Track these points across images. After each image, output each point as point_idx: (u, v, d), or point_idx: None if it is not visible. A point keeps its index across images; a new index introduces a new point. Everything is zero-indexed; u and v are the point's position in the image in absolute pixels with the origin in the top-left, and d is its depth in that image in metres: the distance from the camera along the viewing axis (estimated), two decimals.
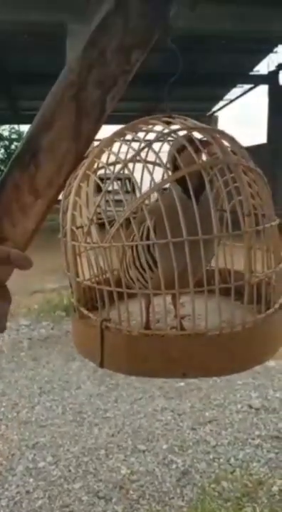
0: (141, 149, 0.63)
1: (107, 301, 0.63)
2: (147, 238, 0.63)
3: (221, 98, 16.31)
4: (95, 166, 0.67)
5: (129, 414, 3.26)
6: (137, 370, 0.63)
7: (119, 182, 0.74)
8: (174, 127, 0.63)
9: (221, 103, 17.06)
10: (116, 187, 0.73)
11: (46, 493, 2.49)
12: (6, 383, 3.68)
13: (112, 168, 0.67)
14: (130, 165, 0.67)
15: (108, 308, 0.64)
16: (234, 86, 14.64)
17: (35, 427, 3.12)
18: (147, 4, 0.58)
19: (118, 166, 0.69)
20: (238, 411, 3.26)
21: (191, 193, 0.58)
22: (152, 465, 2.69)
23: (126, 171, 0.69)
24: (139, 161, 0.66)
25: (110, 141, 0.66)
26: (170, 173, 0.67)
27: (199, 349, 0.59)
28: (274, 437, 2.93)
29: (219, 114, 18.54)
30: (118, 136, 0.66)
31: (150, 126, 0.66)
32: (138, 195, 0.65)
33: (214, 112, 18.19)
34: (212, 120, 18.00)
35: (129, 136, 0.67)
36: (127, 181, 0.82)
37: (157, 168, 0.77)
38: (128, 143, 0.65)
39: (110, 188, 0.72)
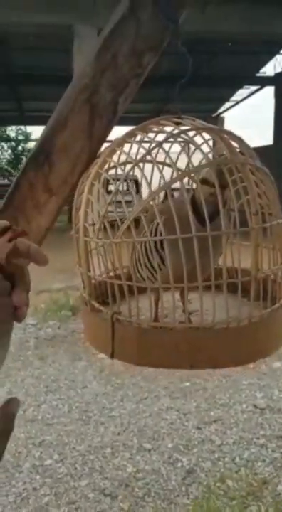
0: (151, 149, 0.65)
1: (117, 295, 0.65)
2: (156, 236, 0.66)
3: (227, 99, 16.30)
4: (107, 165, 0.70)
5: (135, 413, 3.28)
6: (146, 360, 0.66)
7: (125, 183, 0.76)
8: (183, 128, 0.65)
9: (227, 104, 17.06)
10: (121, 188, 0.75)
11: (53, 489, 2.51)
12: (13, 382, 3.71)
13: (121, 168, 0.69)
14: (140, 165, 0.70)
15: (119, 303, 0.66)
16: (241, 87, 14.63)
17: (41, 425, 3.15)
18: (159, 9, 0.60)
19: (128, 167, 0.71)
20: (244, 411, 3.27)
21: (202, 197, 0.60)
22: (157, 463, 2.71)
23: (132, 173, 0.71)
24: (149, 161, 0.68)
25: (121, 142, 0.68)
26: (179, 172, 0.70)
27: (206, 342, 0.61)
28: (279, 437, 2.94)
29: (226, 115, 18.53)
30: (129, 136, 0.68)
31: (160, 127, 0.69)
32: (143, 195, 0.67)
33: (221, 113, 18.18)
34: (218, 121, 17.99)
35: (140, 137, 0.69)
36: (132, 182, 0.84)
37: (165, 167, 0.79)
38: (139, 143, 0.67)
39: (118, 189, 0.74)
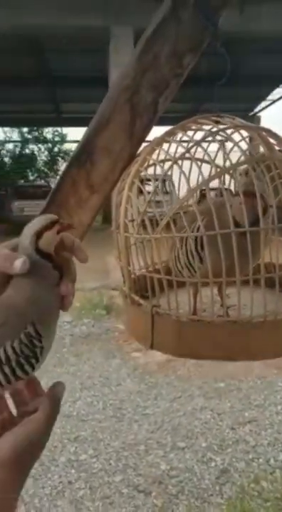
0: (190, 147, 0.67)
1: (157, 289, 0.67)
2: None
3: (264, 98, 16.10)
4: (147, 163, 0.72)
5: (169, 411, 3.29)
6: (185, 352, 0.67)
7: (158, 183, 0.78)
8: (221, 126, 0.66)
9: (263, 103, 16.84)
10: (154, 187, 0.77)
11: (87, 484, 2.56)
12: (49, 378, 3.78)
13: (161, 165, 0.71)
14: (178, 163, 0.71)
15: (158, 296, 0.68)
16: (277, 86, 14.42)
17: (76, 421, 3.21)
18: (199, 10, 0.61)
19: (167, 165, 0.73)
20: (279, 412, 3.23)
21: (241, 192, 0.62)
22: (191, 462, 2.72)
23: (170, 172, 0.73)
24: (188, 159, 0.70)
25: (161, 140, 0.70)
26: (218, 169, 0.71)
27: (244, 335, 0.63)
28: None
29: (262, 114, 18.29)
30: (169, 135, 0.70)
31: (199, 126, 0.70)
32: (175, 195, 0.69)
33: (257, 112, 17.96)
34: (255, 120, 17.77)
35: (179, 136, 0.71)
36: (170, 182, 0.86)
37: (203, 165, 0.81)
38: (178, 142, 0.69)
39: (151, 188, 0.77)
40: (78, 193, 0.75)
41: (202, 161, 0.76)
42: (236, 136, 0.68)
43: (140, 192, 0.73)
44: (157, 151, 0.71)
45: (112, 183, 0.75)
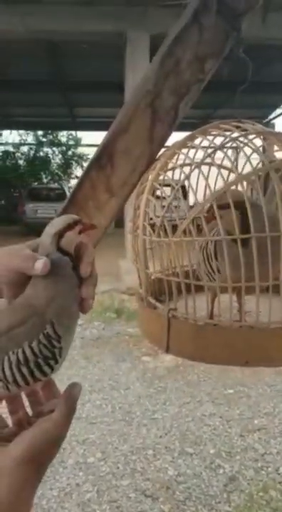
0: (211, 152, 0.67)
1: (174, 292, 0.68)
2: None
3: (278, 106, 16.04)
4: (167, 167, 0.72)
5: (178, 417, 3.28)
6: (201, 356, 0.67)
7: (178, 187, 0.78)
8: (243, 132, 0.67)
9: (278, 111, 16.78)
10: (168, 193, 0.78)
11: (95, 487, 2.56)
12: (59, 380, 3.78)
13: (181, 169, 0.72)
14: (198, 168, 0.72)
15: (175, 300, 0.68)
16: None
17: (85, 424, 3.21)
18: (222, 17, 0.62)
19: (185, 170, 0.74)
20: None
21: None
22: (199, 468, 2.70)
23: (180, 177, 0.73)
24: (208, 164, 0.70)
25: (181, 144, 0.71)
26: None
27: (261, 340, 0.62)
28: None
29: (276, 121, 18.22)
30: (190, 139, 0.71)
31: (220, 131, 0.70)
32: (191, 200, 0.69)
33: (271, 119, 17.90)
34: (269, 127, 17.72)
35: (199, 140, 0.71)
36: (180, 188, 0.86)
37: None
38: (198, 146, 0.69)
39: (164, 194, 0.77)
40: (97, 196, 0.76)
41: (221, 166, 0.76)
42: (257, 142, 0.68)
43: (157, 197, 0.73)
44: (177, 156, 0.71)
45: (131, 186, 0.76)
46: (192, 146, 0.74)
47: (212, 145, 0.71)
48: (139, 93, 0.68)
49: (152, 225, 0.73)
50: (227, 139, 0.69)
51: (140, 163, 0.73)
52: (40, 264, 0.55)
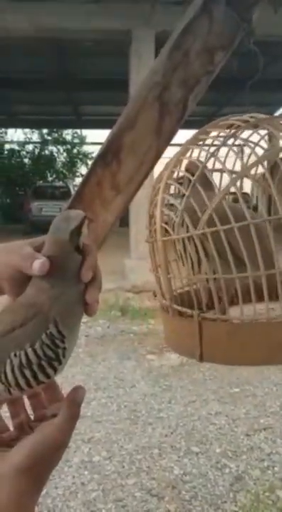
0: (226, 140, 0.65)
1: (203, 299, 0.65)
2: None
3: None
4: (180, 165, 0.70)
5: (183, 415, 3.27)
6: (239, 359, 0.64)
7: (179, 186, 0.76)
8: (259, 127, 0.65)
9: None
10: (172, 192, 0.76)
11: (100, 486, 2.55)
12: (63, 377, 3.77)
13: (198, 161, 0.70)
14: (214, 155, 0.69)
15: (205, 303, 0.65)
16: None
17: (90, 422, 3.20)
18: (232, 7, 0.60)
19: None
20: None
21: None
22: (205, 467, 2.69)
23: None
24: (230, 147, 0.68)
25: (194, 140, 0.69)
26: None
27: None
28: None
29: None
30: (202, 134, 0.69)
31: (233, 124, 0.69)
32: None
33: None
34: None
35: (213, 133, 0.69)
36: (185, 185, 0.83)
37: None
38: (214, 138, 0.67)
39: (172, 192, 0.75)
40: (103, 194, 0.74)
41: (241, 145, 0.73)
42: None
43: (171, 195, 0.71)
44: (190, 152, 0.69)
45: (138, 183, 0.74)
46: (211, 137, 0.72)
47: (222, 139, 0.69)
48: (146, 86, 0.66)
49: (167, 223, 0.71)
50: (246, 128, 0.66)
51: (147, 158, 0.71)
52: (37, 264, 0.53)
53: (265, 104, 15.39)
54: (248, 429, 3.08)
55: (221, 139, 0.66)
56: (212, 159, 0.69)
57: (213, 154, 0.66)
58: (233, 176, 0.64)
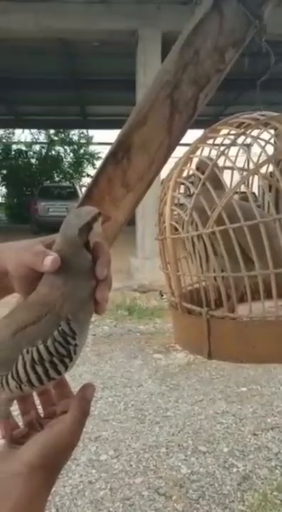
0: (238, 136, 0.65)
1: (212, 297, 0.65)
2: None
3: None
4: (190, 163, 0.71)
5: (190, 415, 3.27)
6: (247, 356, 0.64)
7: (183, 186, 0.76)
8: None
9: None
10: (182, 190, 0.76)
11: (108, 484, 2.56)
12: (71, 376, 3.77)
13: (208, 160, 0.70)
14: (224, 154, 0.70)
15: (213, 300, 0.65)
16: None
17: (97, 421, 3.21)
18: (243, 5, 0.60)
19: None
20: None
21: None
22: (212, 467, 2.69)
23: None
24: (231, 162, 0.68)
25: (204, 138, 0.69)
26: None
27: None
28: None
29: None
30: (212, 132, 0.69)
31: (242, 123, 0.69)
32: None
33: None
34: None
35: (222, 133, 0.70)
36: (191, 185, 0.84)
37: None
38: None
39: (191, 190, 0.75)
40: (114, 191, 0.74)
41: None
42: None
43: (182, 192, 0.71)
44: (200, 150, 0.69)
45: (148, 181, 0.74)
46: (221, 135, 0.72)
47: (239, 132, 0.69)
48: (157, 84, 0.67)
49: (177, 221, 0.71)
50: (256, 125, 0.66)
51: (157, 156, 0.71)
52: (48, 261, 0.53)
53: (274, 103, 15.33)
54: (255, 428, 3.08)
55: (232, 137, 0.66)
56: (222, 158, 0.69)
57: (224, 152, 0.66)
58: (244, 173, 0.64)
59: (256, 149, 0.77)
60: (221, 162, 0.72)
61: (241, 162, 0.82)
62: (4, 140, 22.34)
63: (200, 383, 3.76)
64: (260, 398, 3.49)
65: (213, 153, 0.69)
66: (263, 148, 0.68)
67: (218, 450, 2.85)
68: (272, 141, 0.77)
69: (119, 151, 0.74)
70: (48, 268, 0.53)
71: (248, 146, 0.76)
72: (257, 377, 3.84)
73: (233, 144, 0.66)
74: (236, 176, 0.80)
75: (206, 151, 0.71)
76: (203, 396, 3.53)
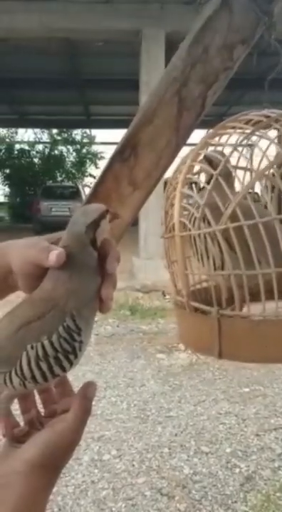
0: (250, 134, 0.64)
1: (223, 297, 0.64)
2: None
3: None
4: (199, 158, 0.70)
5: (193, 415, 3.26)
6: (259, 356, 0.63)
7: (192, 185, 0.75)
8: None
9: None
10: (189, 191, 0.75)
11: (110, 484, 2.55)
12: (74, 376, 3.78)
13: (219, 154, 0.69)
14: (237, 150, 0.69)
15: (224, 300, 0.65)
16: None
17: (100, 420, 3.21)
18: (253, 1, 0.60)
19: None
20: None
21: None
22: (215, 467, 2.68)
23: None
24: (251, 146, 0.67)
25: (213, 135, 0.69)
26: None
27: None
28: None
29: None
30: (221, 128, 0.69)
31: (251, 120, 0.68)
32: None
33: None
34: None
35: (231, 130, 0.69)
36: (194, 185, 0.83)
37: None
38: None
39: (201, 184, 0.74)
40: (120, 189, 0.74)
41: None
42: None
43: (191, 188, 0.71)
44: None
45: (155, 180, 0.74)
46: (232, 131, 0.71)
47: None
48: (165, 81, 0.66)
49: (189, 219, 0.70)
50: (265, 124, 0.66)
51: (164, 154, 0.71)
52: (54, 255, 0.53)
53: (280, 102, 15.30)
54: (258, 429, 3.07)
55: (240, 136, 0.66)
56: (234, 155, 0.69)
57: (236, 149, 0.66)
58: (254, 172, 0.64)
59: (264, 147, 0.76)
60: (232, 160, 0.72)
61: (244, 161, 0.81)
62: (7, 139, 22.35)
63: (203, 383, 3.75)
64: (263, 399, 3.48)
65: (224, 150, 0.69)
66: (279, 146, 0.68)
67: (221, 451, 2.84)
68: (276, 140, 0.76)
69: (126, 149, 0.73)
70: (54, 263, 0.53)
71: (250, 146, 0.75)
72: (260, 377, 3.83)
73: (247, 139, 0.65)
74: (242, 174, 0.79)
75: (215, 148, 0.70)
76: (205, 396, 3.53)
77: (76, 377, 3.78)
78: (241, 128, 0.67)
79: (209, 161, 0.69)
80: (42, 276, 0.55)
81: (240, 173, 0.79)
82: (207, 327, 0.64)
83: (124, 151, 0.73)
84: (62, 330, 0.52)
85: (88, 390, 0.56)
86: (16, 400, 0.59)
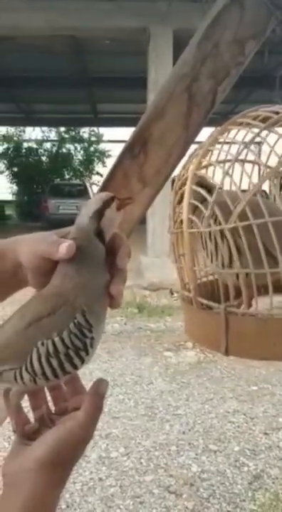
0: (262, 129, 0.63)
1: (231, 291, 0.64)
2: None
3: None
4: (209, 155, 0.69)
5: (201, 413, 3.26)
6: (266, 353, 0.63)
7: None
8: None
9: None
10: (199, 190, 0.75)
11: (118, 482, 2.55)
12: (82, 374, 3.76)
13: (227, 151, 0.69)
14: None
15: (232, 297, 0.64)
16: None
17: (108, 418, 3.21)
18: None
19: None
20: None
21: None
22: (223, 466, 2.67)
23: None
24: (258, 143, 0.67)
25: (223, 131, 0.68)
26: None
27: None
28: None
29: None
30: (231, 125, 0.68)
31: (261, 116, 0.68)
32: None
33: None
34: None
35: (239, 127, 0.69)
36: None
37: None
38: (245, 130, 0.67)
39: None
40: (130, 186, 0.74)
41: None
42: None
43: (201, 185, 0.70)
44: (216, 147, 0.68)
45: (165, 176, 0.74)
46: (243, 127, 0.70)
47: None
48: (175, 77, 0.66)
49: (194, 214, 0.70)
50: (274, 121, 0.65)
51: (174, 151, 0.70)
52: (64, 248, 0.52)
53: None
54: (266, 427, 3.06)
55: (255, 130, 0.65)
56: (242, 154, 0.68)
57: (246, 146, 0.65)
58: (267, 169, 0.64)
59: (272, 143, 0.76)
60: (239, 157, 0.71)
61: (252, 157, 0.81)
62: (15, 138, 22.41)
63: (210, 382, 3.75)
64: (271, 397, 3.47)
65: (234, 147, 0.68)
66: None
67: (229, 449, 2.83)
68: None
69: (136, 146, 0.73)
70: (64, 255, 0.52)
71: (258, 144, 0.75)
72: (268, 376, 3.82)
73: (258, 136, 0.65)
74: (249, 170, 0.79)
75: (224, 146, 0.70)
76: (213, 395, 3.52)
77: (84, 375, 3.75)
78: (249, 124, 0.66)
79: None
80: (51, 270, 0.55)
81: (248, 168, 0.78)
82: (214, 323, 0.64)
83: (134, 148, 0.73)
84: (72, 326, 0.52)
85: (100, 386, 0.55)
86: (25, 397, 0.59)
